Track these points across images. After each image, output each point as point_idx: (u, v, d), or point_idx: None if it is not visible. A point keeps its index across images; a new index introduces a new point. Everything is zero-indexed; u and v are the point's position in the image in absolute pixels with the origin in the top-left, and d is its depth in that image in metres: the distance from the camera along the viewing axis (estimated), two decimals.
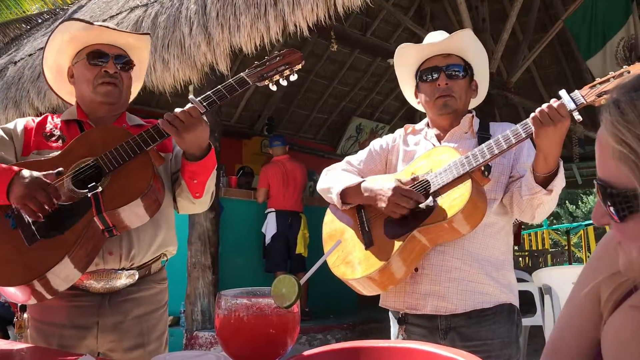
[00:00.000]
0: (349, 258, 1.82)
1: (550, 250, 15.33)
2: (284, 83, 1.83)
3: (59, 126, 1.93)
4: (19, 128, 1.90)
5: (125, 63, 1.96)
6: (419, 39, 2.05)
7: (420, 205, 1.70)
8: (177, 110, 1.73)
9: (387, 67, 9.03)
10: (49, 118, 1.97)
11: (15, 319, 1.92)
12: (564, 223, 23.35)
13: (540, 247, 16.21)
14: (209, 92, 1.77)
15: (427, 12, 9.24)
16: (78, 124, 1.94)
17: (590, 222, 16.61)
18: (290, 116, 10.13)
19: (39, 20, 9.15)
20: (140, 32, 2.05)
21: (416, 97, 2.07)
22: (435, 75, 1.93)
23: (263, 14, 3.99)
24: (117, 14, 5.51)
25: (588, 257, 14.65)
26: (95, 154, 1.73)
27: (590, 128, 9.14)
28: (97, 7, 6.55)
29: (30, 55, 6.33)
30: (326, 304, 6.12)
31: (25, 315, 1.86)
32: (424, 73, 1.96)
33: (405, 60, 2.04)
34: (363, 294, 1.86)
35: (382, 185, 1.79)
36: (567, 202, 26.85)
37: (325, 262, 1.44)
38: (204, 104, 1.75)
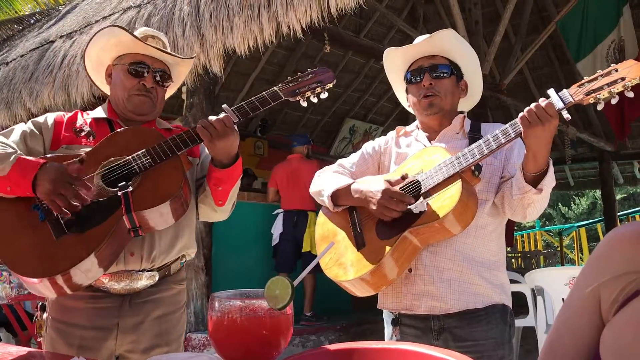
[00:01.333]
0: (341, 260, 1.83)
1: (543, 251, 15.37)
2: (314, 100, 1.86)
3: (88, 123, 1.95)
4: (50, 121, 1.92)
5: (163, 78, 1.98)
6: (411, 41, 2.05)
7: (411, 207, 1.71)
8: (212, 117, 1.75)
9: (380, 69, 9.01)
10: (79, 115, 1.98)
11: (35, 319, 1.92)
12: (556, 224, 23.46)
13: (532, 249, 16.25)
14: (242, 103, 1.79)
15: (420, 14, 9.27)
16: (108, 122, 1.96)
17: (582, 223, 16.72)
18: (283, 117, 10.14)
19: (32, 21, 9.10)
20: (186, 57, 2.09)
21: (407, 100, 2.09)
22: (420, 76, 1.95)
23: (256, 15, 3.99)
24: (110, 15, 5.49)
25: (580, 258, 14.74)
26: (127, 153, 1.74)
27: (582, 130, 9.21)
28: (90, 8, 6.52)
29: (22, 56, 6.30)
30: (320, 305, 6.12)
31: (45, 315, 1.87)
32: (410, 75, 1.99)
33: (394, 64, 2.07)
34: (356, 296, 1.86)
35: (371, 187, 1.79)
36: (559, 203, 26.96)
37: (318, 264, 1.44)
38: (237, 113, 1.78)
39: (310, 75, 1.84)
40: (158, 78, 1.96)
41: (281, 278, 0.98)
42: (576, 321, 1.00)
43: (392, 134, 2.12)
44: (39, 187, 1.62)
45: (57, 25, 6.80)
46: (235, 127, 1.78)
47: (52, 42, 5.94)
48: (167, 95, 2.12)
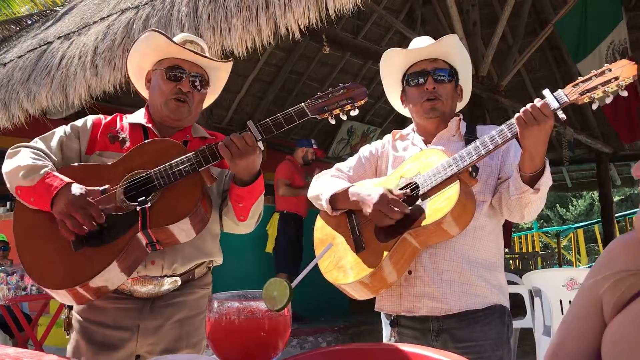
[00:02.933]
0: (340, 263, 1.83)
1: (541, 252, 15.39)
2: (344, 117, 1.77)
3: (125, 128, 1.96)
4: (88, 124, 1.95)
5: (201, 82, 1.98)
6: (409, 43, 2.06)
7: (408, 211, 1.71)
8: (234, 135, 1.72)
9: (378, 71, 8.98)
10: (118, 119, 2.00)
11: (63, 317, 1.98)
12: (554, 226, 23.48)
13: (530, 250, 16.27)
14: (267, 120, 1.74)
15: (418, 16, 9.28)
16: (143, 129, 1.96)
17: (580, 225, 16.75)
18: None
19: (29, 22, 9.08)
20: (224, 60, 2.07)
21: (402, 102, 2.09)
22: (423, 79, 1.94)
23: (255, 16, 3.99)
24: (108, 16, 5.48)
25: (578, 259, 14.75)
26: (150, 166, 1.75)
27: (579, 131, 9.23)
28: (88, 9, 6.52)
29: (20, 57, 6.28)
30: (318, 306, 6.11)
31: (73, 313, 1.91)
32: (411, 77, 1.98)
33: (392, 65, 2.06)
34: (356, 298, 1.86)
35: (369, 191, 1.80)
36: (557, 205, 27.00)
37: (317, 266, 1.44)
38: (260, 130, 1.74)
39: (341, 91, 1.76)
40: (196, 83, 1.96)
41: (279, 279, 0.98)
42: (579, 324, 1.01)
43: (388, 137, 2.13)
44: (56, 205, 1.66)
45: (55, 26, 6.79)
46: (260, 145, 1.74)
47: (50, 43, 5.92)
48: (208, 102, 2.12)
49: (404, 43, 2.17)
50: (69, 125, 1.94)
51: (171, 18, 4.52)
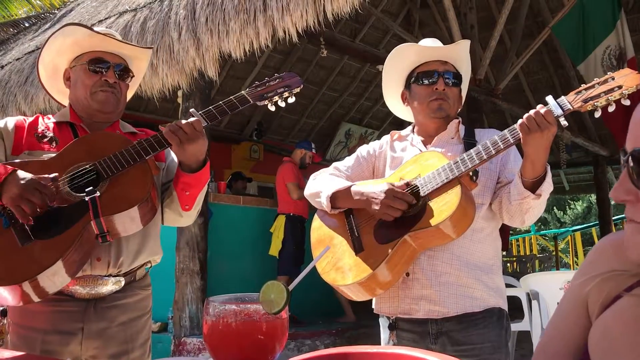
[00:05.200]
0: (339, 264, 1.82)
1: (538, 255, 15.42)
2: (282, 104, 1.87)
3: (51, 128, 1.91)
4: (10, 126, 1.87)
5: (125, 72, 1.96)
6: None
7: (410, 210, 1.71)
8: (182, 121, 1.73)
9: (376, 73, 9.06)
10: (40, 119, 1.94)
11: None
12: (551, 229, 23.52)
13: (527, 253, 16.30)
14: (210, 107, 1.79)
15: (415, 19, 9.30)
16: (71, 126, 1.92)
17: (577, 227, 16.78)
18: (279, 121, 10.14)
19: (27, 24, 9.08)
20: (145, 46, 2.07)
21: (403, 100, 2.08)
22: (434, 79, 1.93)
23: (252, 19, 3.99)
24: (106, 19, 5.49)
25: (575, 262, 14.77)
26: (93, 158, 1.72)
27: (577, 134, 9.24)
28: (86, 12, 6.52)
29: (17, 59, 6.28)
30: (315, 309, 6.11)
31: (5, 321, 1.84)
32: (421, 76, 1.96)
33: (401, 61, 2.03)
34: (353, 300, 1.86)
35: (374, 188, 1.79)
36: (554, 207, 27.04)
37: (314, 268, 1.44)
38: (205, 117, 1.77)
39: (277, 80, 1.85)
40: (119, 73, 1.93)
41: (276, 282, 0.98)
42: (565, 324, 1.04)
43: (386, 138, 2.12)
44: (6, 192, 1.58)
45: (53, 29, 6.78)
46: (204, 132, 1.76)
47: None
48: (130, 94, 2.09)
49: None
50: None
51: (169, 21, 4.52)
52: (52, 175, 1.65)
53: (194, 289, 4.96)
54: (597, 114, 1.57)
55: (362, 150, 2.12)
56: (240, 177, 7.93)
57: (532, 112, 1.61)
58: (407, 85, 2.03)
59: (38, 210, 1.58)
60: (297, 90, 1.87)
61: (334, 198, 1.91)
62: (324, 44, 5.79)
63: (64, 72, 1.99)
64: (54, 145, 1.86)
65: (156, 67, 4.46)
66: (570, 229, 16.82)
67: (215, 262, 5.49)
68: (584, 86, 1.59)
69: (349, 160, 2.11)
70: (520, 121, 1.62)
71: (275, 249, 6.12)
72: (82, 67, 1.91)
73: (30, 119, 1.94)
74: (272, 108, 1.87)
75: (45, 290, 1.61)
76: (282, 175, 6.17)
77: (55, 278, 1.61)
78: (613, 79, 1.54)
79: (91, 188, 1.65)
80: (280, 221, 6.12)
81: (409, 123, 2.17)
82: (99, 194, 1.65)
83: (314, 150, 6.59)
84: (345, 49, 7.00)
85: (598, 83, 1.55)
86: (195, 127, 1.72)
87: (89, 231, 1.65)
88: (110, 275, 1.82)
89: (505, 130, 1.69)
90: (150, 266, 2.00)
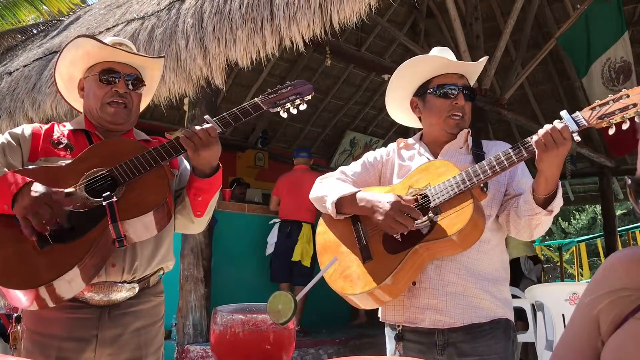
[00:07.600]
0: (346, 272, 1.81)
1: (543, 266, 15.30)
2: (294, 111, 1.91)
3: (66, 135, 1.93)
4: (27, 133, 1.90)
5: (136, 82, 1.97)
6: (413, 55, 2.06)
7: (418, 223, 1.69)
8: (197, 127, 1.76)
9: (381, 82, 9.08)
10: (56, 126, 1.97)
11: (9, 331, 1.88)
12: (556, 239, 23.39)
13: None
14: (224, 114, 1.82)
15: (421, 29, 9.32)
16: (86, 134, 1.95)
17: (582, 238, 16.65)
18: (284, 129, 10.15)
19: (35, 31, 9.15)
20: (155, 56, 2.08)
21: (413, 108, 2.06)
22: (454, 93, 1.92)
23: (259, 28, 4.02)
24: (114, 27, 5.52)
25: (580, 273, 14.68)
26: (109, 164, 1.74)
27: (582, 145, 9.22)
28: (94, 19, 6.57)
29: (25, 66, 6.33)
30: (319, 318, 6.09)
31: (19, 327, 1.83)
32: (441, 87, 1.94)
33: (418, 71, 1.99)
34: (360, 308, 1.85)
35: (380, 197, 1.77)
36: (559, 218, 26.89)
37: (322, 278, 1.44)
38: (219, 124, 1.80)
39: (289, 88, 1.90)
40: (132, 83, 1.95)
41: (284, 293, 0.98)
42: (577, 343, 1.02)
43: (393, 145, 2.11)
44: (18, 202, 1.60)
45: (61, 35, 6.84)
46: (218, 138, 1.79)
47: (55, 52, 5.96)
48: (144, 104, 2.10)
49: (407, 55, 2.18)
50: (7, 133, 1.90)
51: (176, 29, 4.55)
52: (67, 190, 1.67)
53: (198, 297, 4.96)
54: (612, 131, 1.54)
55: (369, 156, 2.11)
56: (238, 182, 7.95)
57: (548, 127, 1.59)
58: (421, 94, 2.00)
59: (44, 223, 1.59)
60: (309, 97, 1.91)
61: (340, 204, 1.89)
62: (330, 53, 5.81)
63: (78, 82, 2.01)
64: (69, 152, 1.88)
65: (163, 75, 4.48)
66: (575, 239, 16.71)
67: (220, 269, 5.49)
68: (598, 102, 1.56)
69: (356, 166, 2.09)
70: (535, 137, 1.61)
71: (307, 259, 5.93)
72: (94, 77, 1.93)
73: (46, 126, 1.96)
74: (285, 115, 1.91)
75: (61, 296, 1.62)
76: (309, 183, 6.08)
77: (72, 283, 1.62)
78: (628, 96, 1.51)
79: (108, 193, 1.67)
80: (307, 231, 5.98)
81: (414, 132, 2.16)
82: (116, 199, 1.67)
83: (311, 157, 6.61)
84: (350, 58, 7.02)
85: (612, 100, 1.53)
86: (210, 134, 1.75)
87: (106, 236, 1.67)
88: (124, 282, 1.83)
89: (518, 143, 1.68)
90: (163, 273, 2.00)
